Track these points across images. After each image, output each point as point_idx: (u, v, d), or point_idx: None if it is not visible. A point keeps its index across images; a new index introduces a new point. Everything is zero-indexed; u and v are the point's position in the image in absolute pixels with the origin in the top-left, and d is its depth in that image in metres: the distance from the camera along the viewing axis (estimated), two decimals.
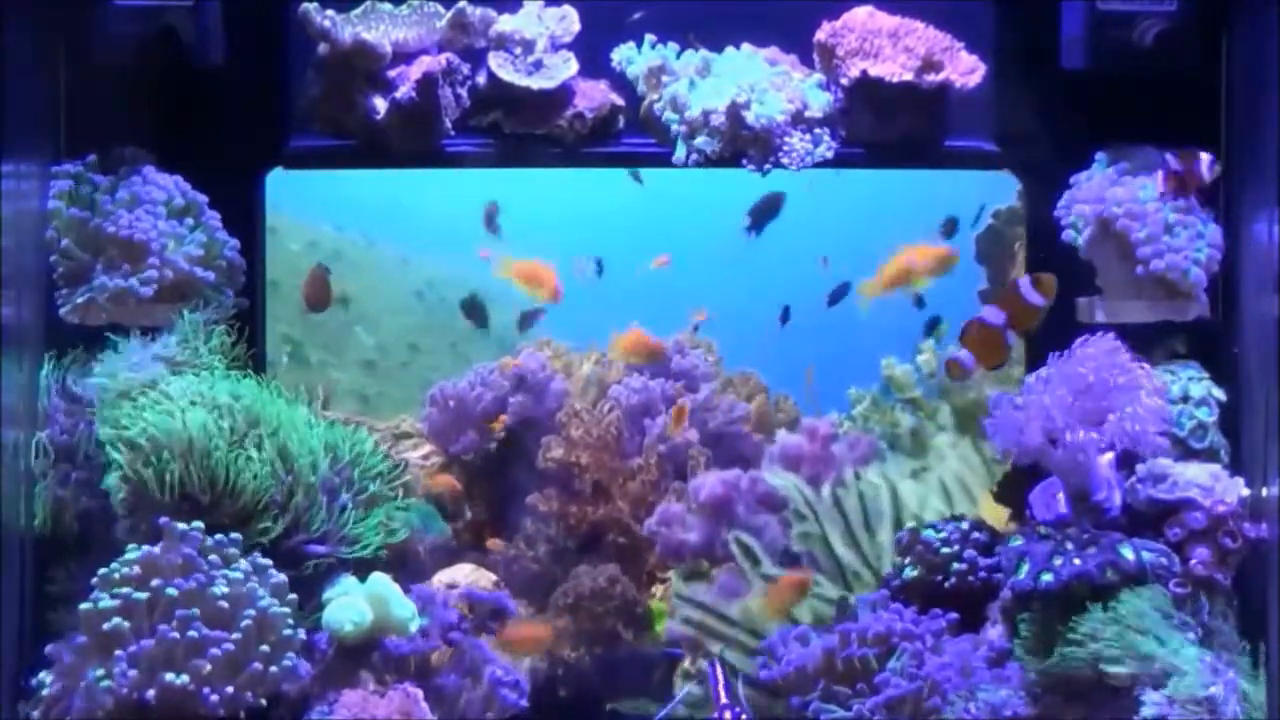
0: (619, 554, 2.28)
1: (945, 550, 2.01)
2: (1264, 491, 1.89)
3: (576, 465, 2.28)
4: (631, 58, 1.99)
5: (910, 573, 2.01)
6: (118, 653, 1.75)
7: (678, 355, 2.37)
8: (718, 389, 2.32)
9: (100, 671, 1.75)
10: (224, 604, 1.78)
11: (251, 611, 1.79)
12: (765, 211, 2.57)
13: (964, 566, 1.99)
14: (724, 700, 1.96)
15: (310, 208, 2.40)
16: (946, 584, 1.99)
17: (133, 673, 1.74)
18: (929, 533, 2.04)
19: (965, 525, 2.03)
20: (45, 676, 1.80)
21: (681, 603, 2.16)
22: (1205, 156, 1.92)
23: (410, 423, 2.48)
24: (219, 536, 1.81)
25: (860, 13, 1.98)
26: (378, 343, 2.40)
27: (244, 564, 1.81)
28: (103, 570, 1.80)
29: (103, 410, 1.89)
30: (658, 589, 2.31)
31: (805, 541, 2.19)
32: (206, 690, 1.74)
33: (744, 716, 1.94)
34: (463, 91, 2.00)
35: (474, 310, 2.46)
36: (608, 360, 2.39)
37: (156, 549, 1.80)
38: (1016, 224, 2.21)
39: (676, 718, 2.05)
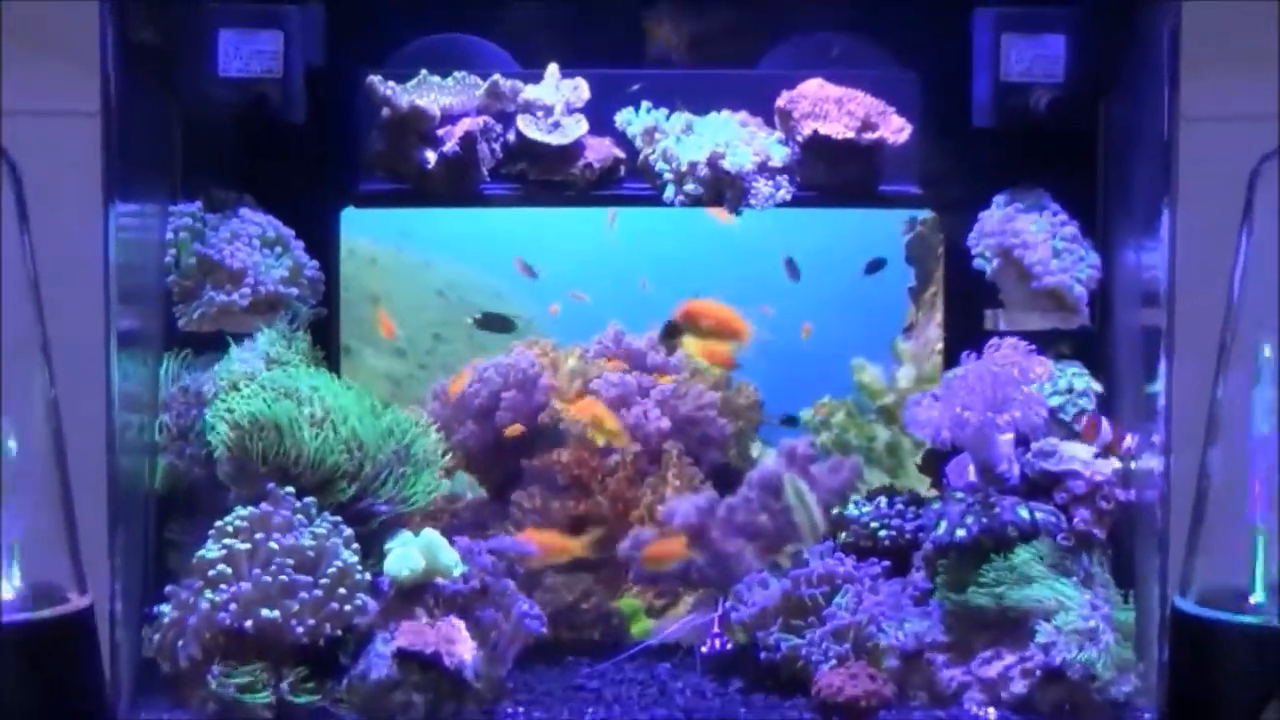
0: (599, 545, 2.21)
1: (873, 524, 2.03)
2: (1131, 464, 1.92)
3: (558, 463, 2.21)
4: (630, 119, 2.01)
5: (847, 540, 2.03)
6: (221, 589, 1.80)
7: (651, 351, 2.28)
8: (686, 378, 2.24)
9: (207, 606, 1.80)
10: (310, 553, 1.82)
11: (335, 561, 1.83)
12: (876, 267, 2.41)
13: (892, 533, 2.02)
14: (716, 630, 1.99)
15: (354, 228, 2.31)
16: (879, 546, 2.01)
17: (234, 607, 1.78)
18: (851, 510, 2.05)
19: (886, 501, 2.05)
20: (164, 608, 1.83)
21: None
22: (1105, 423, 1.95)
23: None
24: (305, 499, 1.85)
25: (812, 83, 2.00)
26: (406, 334, 2.34)
27: (325, 522, 1.85)
28: (216, 525, 1.84)
29: (212, 398, 1.91)
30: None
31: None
32: (294, 622, 1.78)
33: (730, 644, 1.98)
34: (496, 146, 2.02)
35: (494, 323, 2.39)
36: (589, 356, 2.29)
37: (258, 509, 1.84)
38: (938, 230, 2.18)
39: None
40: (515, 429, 2.21)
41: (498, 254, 2.19)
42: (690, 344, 2.24)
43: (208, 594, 1.80)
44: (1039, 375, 1.93)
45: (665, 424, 2.21)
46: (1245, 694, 1.78)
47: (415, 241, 2.21)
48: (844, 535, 2.03)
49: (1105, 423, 1.94)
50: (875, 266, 2.32)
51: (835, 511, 2.07)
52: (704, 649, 1.97)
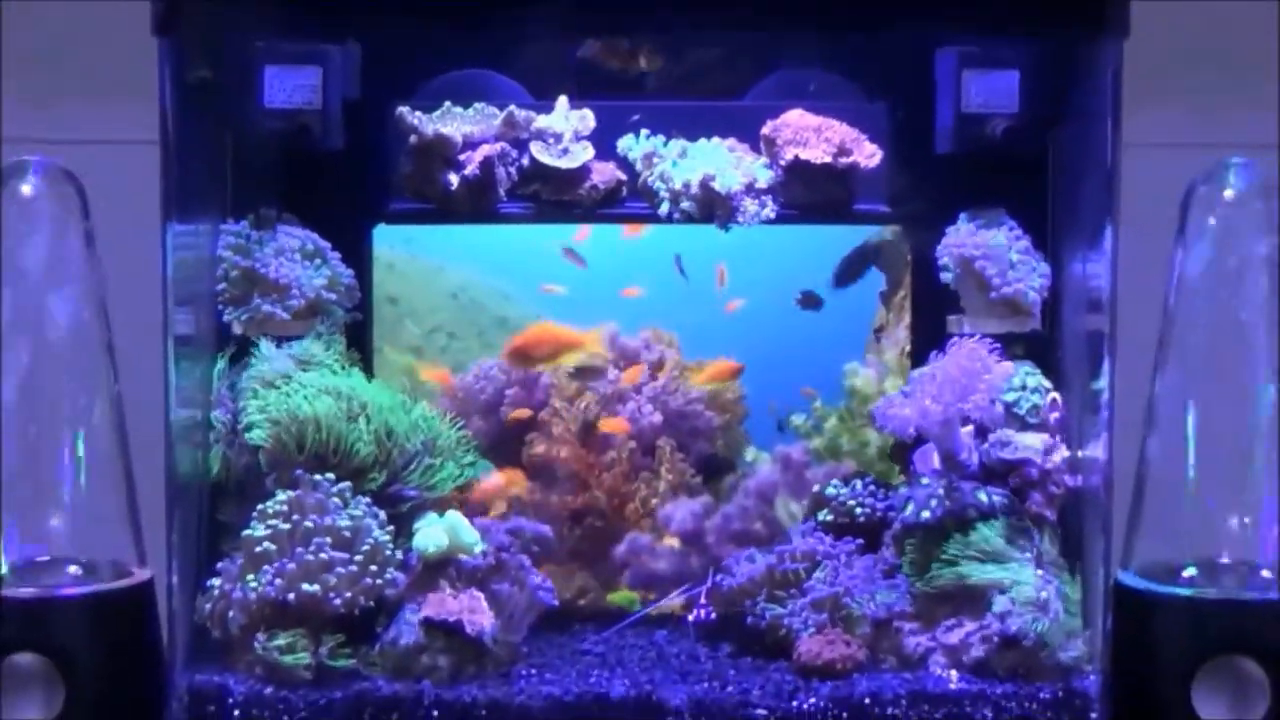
0: (595, 535, 2.21)
1: (851, 503, 2.06)
2: (1078, 453, 1.96)
3: (557, 459, 2.21)
4: (631, 146, 2.04)
5: (826, 518, 2.06)
6: (265, 567, 1.84)
7: (645, 350, 2.25)
8: (678, 375, 2.22)
9: (253, 580, 1.84)
10: (346, 533, 1.86)
11: (369, 540, 1.87)
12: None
13: (867, 510, 2.05)
14: (703, 600, 2.03)
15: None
16: (855, 523, 2.05)
17: (278, 581, 1.83)
18: (831, 490, 2.08)
19: (861, 484, 2.08)
20: (216, 581, 1.88)
21: None
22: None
23: None
24: (341, 485, 1.89)
25: (794, 113, 2.03)
26: (422, 332, 2.29)
27: (360, 505, 1.89)
28: (259, 507, 1.89)
29: (252, 395, 1.96)
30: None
31: None
32: (332, 595, 1.83)
33: (714, 614, 2.02)
34: (512, 170, 2.05)
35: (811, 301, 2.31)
36: (589, 354, 2.25)
37: (299, 494, 1.88)
38: (905, 242, 2.18)
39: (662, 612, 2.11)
40: (521, 413, 2.21)
41: (504, 260, 2.20)
42: (696, 378, 2.25)
43: (254, 569, 1.84)
44: (998, 374, 1.96)
45: (658, 418, 2.21)
46: (1179, 656, 1.83)
47: (427, 249, 2.19)
48: (824, 513, 2.06)
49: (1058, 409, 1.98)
50: (810, 302, 2.29)
51: (816, 489, 2.09)
52: (691, 618, 2.01)
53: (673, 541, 2.20)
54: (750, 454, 2.27)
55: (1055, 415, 1.98)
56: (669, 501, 2.22)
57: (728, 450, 2.25)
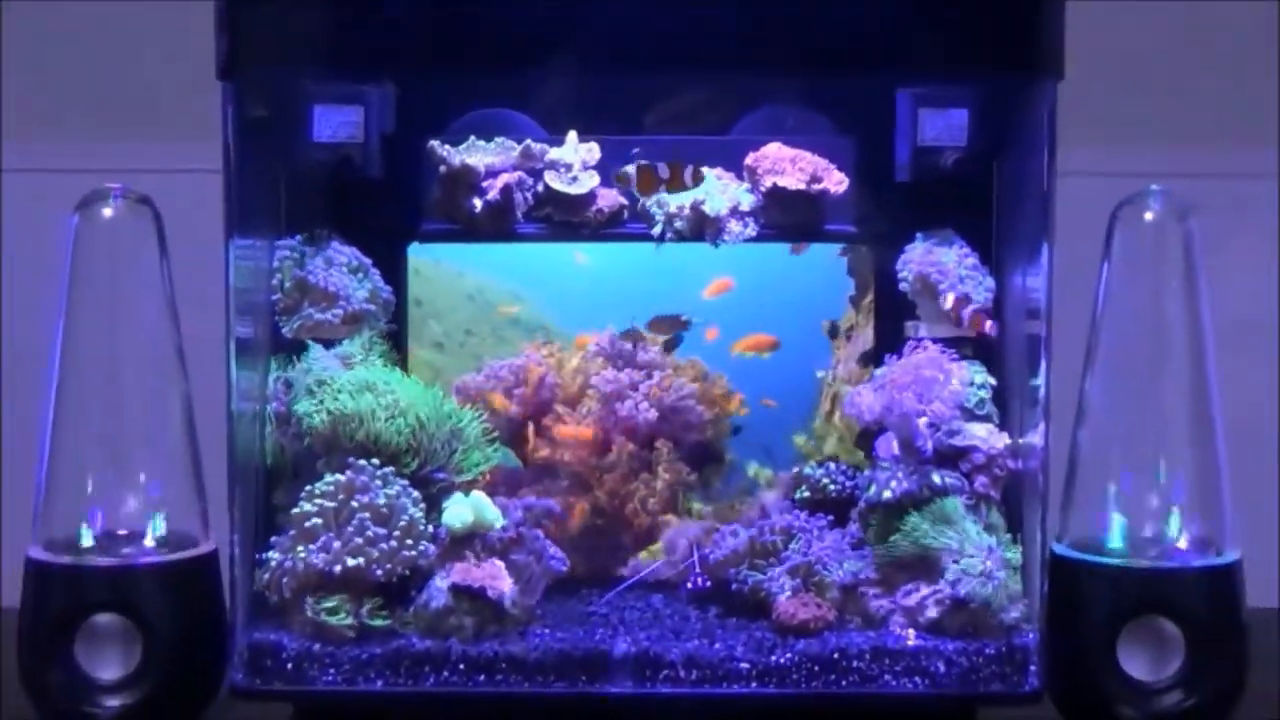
0: (597, 533, 2.16)
1: (825, 481, 2.11)
2: (1019, 440, 2.00)
3: (561, 462, 2.16)
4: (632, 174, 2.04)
5: (803, 495, 2.10)
6: (312, 545, 1.89)
7: (641, 351, 2.21)
8: (670, 374, 2.19)
9: (302, 553, 1.88)
10: (384, 511, 1.90)
11: (404, 517, 1.91)
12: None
13: (838, 487, 2.09)
14: (697, 569, 2.04)
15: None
16: (829, 500, 2.08)
17: (324, 554, 1.87)
18: (809, 470, 2.12)
19: (834, 466, 2.11)
20: (272, 554, 1.91)
21: None
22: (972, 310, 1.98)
23: None
24: (381, 469, 1.93)
25: (772, 146, 2.07)
26: (444, 330, 2.22)
27: (396, 485, 1.92)
28: (307, 488, 1.93)
29: (308, 392, 1.99)
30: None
31: None
32: (374, 566, 1.87)
33: (708, 583, 2.03)
34: (528, 195, 2.08)
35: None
36: (588, 356, 2.20)
37: (343, 476, 1.92)
38: (869, 257, 2.15)
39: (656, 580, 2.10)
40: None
41: (516, 267, 2.18)
42: (736, 346, 2.18)
43: (304, 542, 1.89)
44: (951, 372, 2.00)
45: (653, 415, 2.16)
46: (1106, 617, 1.89)
47: (449, 256, 2.16)
48: (801, 489, 2.10)
49: (989, 322, 1.98)
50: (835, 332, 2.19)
51: (795, 471, 2.12)
52: (689, 585, 2.04)
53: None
54: (752, 469, 2.22)
55: (990, 324, 1.97)
56: (665, 508, 2.16)
57: (715, 440, 2.22)
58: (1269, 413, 2.81)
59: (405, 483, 1.94)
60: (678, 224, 2.05)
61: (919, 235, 2.09)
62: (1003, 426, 2.04)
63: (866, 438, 2.10)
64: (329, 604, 1.88)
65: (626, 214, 2.10)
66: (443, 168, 2.06)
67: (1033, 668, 1.88)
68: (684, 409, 2.18)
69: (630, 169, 1.97)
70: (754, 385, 2.25)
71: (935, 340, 2.04)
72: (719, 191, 2.06)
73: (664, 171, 1.96)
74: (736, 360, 2.24)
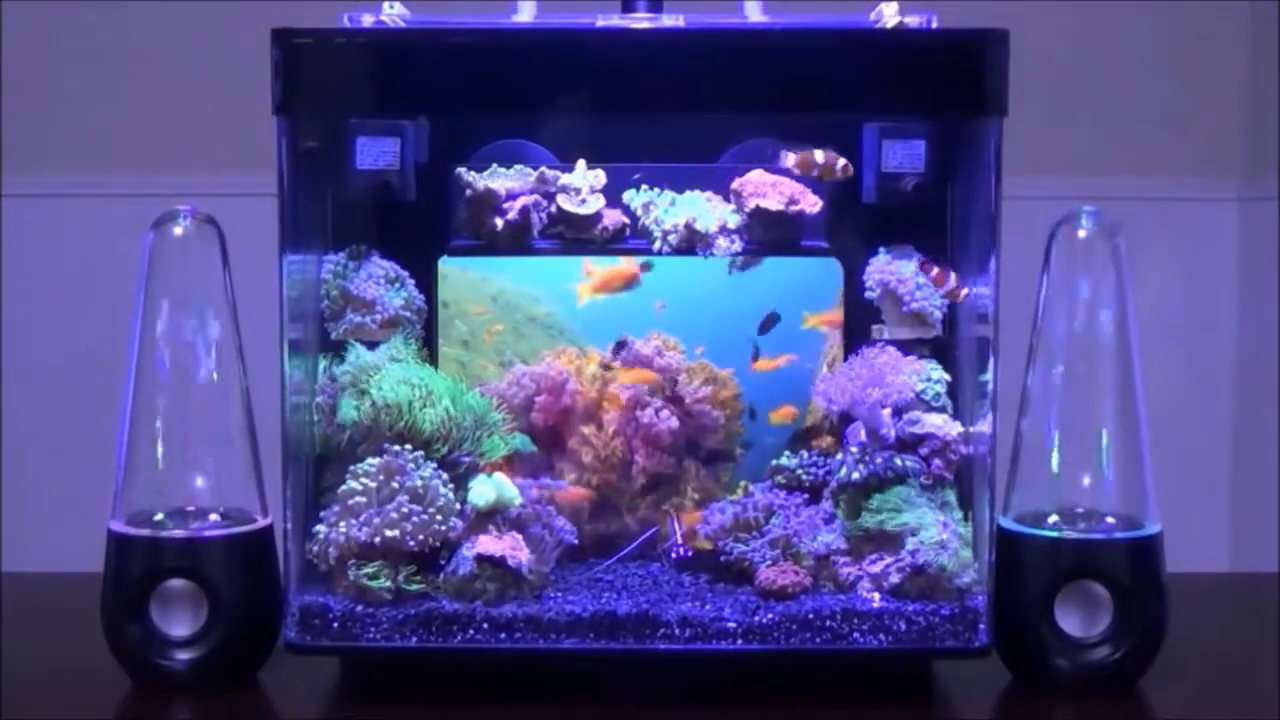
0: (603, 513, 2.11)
1: (799, 469, 2.10)
2: (970, 429, 2.03)
3: (588, 485, 2.11)
4: (633, 197, 2.11)
5: (780, 481, 2.09)
6: (354, 520, 1.91)
7: (658, 356, 2.16)
8: (686, 378, 2.15)
9: (344, 527, 1.91)
10: (419, 490, 1.92)
11: (438, 498, 1.93)
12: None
13: (810, 474, 2.09)
14: (679, 541, 2.06)
15: None
16: (802, 485, 2.08)
17: (366, 528, 1.90)
18: (784, 460, 2.11)
19: (807, 454, 2.10)
20: (320, 528, 1.95)
21: None
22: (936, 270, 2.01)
23: None
24: (415, 453, 1.95)
25: (755, 173, 2.09)
26: (470, 329, 2.18)
27: (428, 467, 1.95)
28: (351, 468, 1.95)
29: (353, 386, 2.01)
30: None
31: None
32: (408, 538, 1.90)
33: (690, 553, 2.04)
34: (543, 215, 2.11)
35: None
36: (607, 361, 2.15)
37: (382, 459, 1.95)
38: (839, 269, 2.11)
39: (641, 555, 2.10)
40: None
41: (533, 272, 2.18)
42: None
43: (348, 517, 1.92)
44: (910, 369, 2.04)
45: (674, 422, 2.09)
46: (1045, 581, 1.93)
47: (474, 263, 2.15)
48: (779, 477, 2.11)
49: (952, 275, 2.00)
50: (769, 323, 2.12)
51: (774, 462, 2.12)
52: (673, 555, 2.06)
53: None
54: (740, 488, 2.12)
55: (964, 292, 1.98)
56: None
57: (726, 441, 2.18)
58: (1191, 403, 2.86)
59: (436, 465, 1.98)
60: (672, 238, 2.08)
61: (881, 250, 2.12)
62: (956, 416, 2.06)
63: (836, 427, 2.12)
64: (369, 570, 1.91)
65: (628, 231, 2.13)
66: (468, 191, 2.09)
67: (982, 626, 1.91)
68: (699, 413, 2.14)
69: (791, 155, 1.98)
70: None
71: (893, 342, 2.08)
72: (709, 212, 2.10)
73: (820, 158, 1.98)
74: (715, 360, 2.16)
